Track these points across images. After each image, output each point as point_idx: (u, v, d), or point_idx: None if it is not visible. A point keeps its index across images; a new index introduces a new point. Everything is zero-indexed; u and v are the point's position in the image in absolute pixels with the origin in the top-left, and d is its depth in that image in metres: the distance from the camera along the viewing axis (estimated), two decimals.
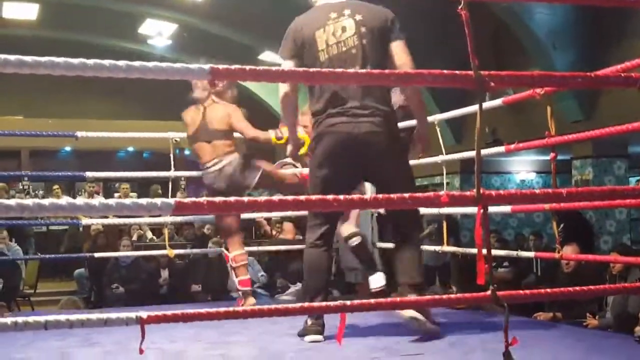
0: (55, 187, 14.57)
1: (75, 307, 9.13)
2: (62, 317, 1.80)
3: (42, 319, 1.78)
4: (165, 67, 1.90)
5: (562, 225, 4.74)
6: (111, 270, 8.57)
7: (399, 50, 3.70)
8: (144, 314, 1.86)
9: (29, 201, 1.71)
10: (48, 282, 11.30)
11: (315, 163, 3.80)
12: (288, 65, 3.64)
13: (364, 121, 3.61)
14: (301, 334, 3.77)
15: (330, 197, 2.01)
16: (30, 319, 1.80)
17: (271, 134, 5.01)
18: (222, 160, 4.99)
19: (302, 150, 4.21)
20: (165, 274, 8.83)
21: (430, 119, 5.18)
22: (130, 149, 18.05)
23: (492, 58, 11.10)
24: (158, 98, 16.91)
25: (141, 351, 1.86)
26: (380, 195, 2.15)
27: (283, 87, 3.67)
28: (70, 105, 17.26)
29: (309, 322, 3.72)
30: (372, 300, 2.44)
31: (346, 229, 4.84)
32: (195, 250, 8.44)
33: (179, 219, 6.94)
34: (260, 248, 7.87)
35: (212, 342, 3.87)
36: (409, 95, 3.96)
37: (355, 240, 4.81)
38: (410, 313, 3.63)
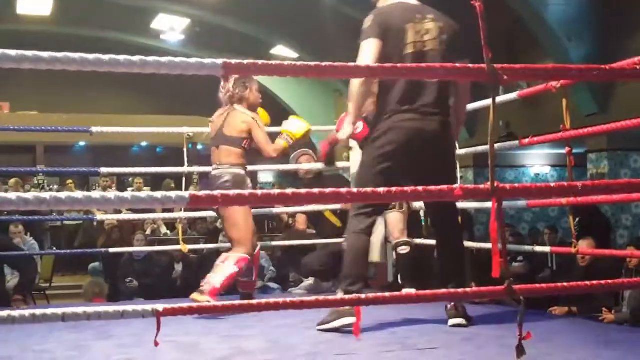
0: (69, 181, 14.65)
1: (100, 290, 9.21)
2: (79, 310, 1.81)
3: (59, 311, 1.80)
4: (179, 62, 1.90)
5: (577, 220, 4.72)
6: (125, 265, 8.61)
7: None
8: (159, 306, 1.88)
9: (46, 194, 1.72)
10: (63, 276, 11.37)
11: (376, 154, 3.85)
12: (374, 43, 3.71)
13: (433, 120, 3.80)
14: (331, 320, 3.77)
15: (355, 190, 2.02)
16: (48, 311, 1.82)
17: (281, 143, 4.91)
18: (220, 168, 4.86)
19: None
20: (179, 268, 8.86)
21: None
22: (144, 144, 18.13)
23: (505, 51, 11.06)
24: (172, 93, 16.98)
25: (156, 343, 1.87)
26: (393, 189, 2.15)
27: None
28: (84, 100, 17.36)
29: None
30: (387, 294, 2.44)
31: (397, 234, 5.22)
32: (209, 246, 8.46)
33: (192, 213, 6.97)
34: (274, 243, 7.89)
35: (225, 335, 3.88)
36: (462, 95, 4.03)
37: (404, 249, 5.15)
38: (455, 321, 3.85)
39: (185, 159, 5.48)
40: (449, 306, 3.86)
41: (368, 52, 3.71)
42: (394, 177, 3.73)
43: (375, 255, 5.71)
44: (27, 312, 1.76)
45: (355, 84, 3.75)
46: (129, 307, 1.90)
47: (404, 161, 3.82)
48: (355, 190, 2.18)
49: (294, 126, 4.99)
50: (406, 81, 3.72)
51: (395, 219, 5.28)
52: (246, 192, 1.91)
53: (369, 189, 2.12)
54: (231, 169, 4.73)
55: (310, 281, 6.19)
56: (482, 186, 2.19)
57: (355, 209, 3.98)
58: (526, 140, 4.21)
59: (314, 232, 7.06)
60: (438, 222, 4.07)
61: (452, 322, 3.82)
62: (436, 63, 3.62)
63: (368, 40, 3.75)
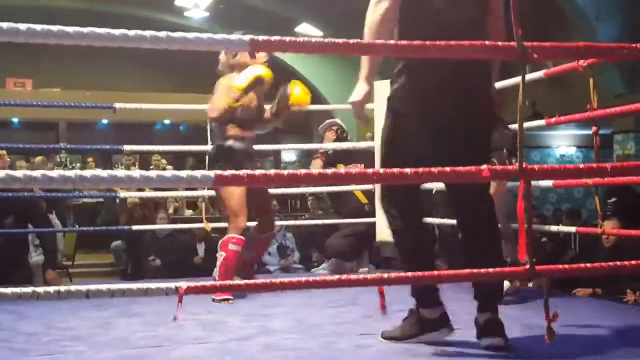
0: (90, 159, 14.71)
1: None
2: (103, 287, 1.81)
3: (83, 288, 1.80)
4: (206, 38, 1.88)
5: (614, 199, 4.67)
6: (148, 243, 8.66)
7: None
8: (183, 284, 1.87)
9: (70, 173, 1.72)
10: (85, 254, 11.45)
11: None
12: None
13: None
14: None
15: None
16: (72, 288, 1.82)
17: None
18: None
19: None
20: (201, 250, 8.87)
21: None
22: (167, 122, 18.15)
23: (533, 29, 10.93)
24: (196, 71, 16.93)
25: (181, 319, 1.87)
26: (420, 170, 2.12)
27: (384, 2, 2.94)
28: (107, 78, 17.38)
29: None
30: (410, 274, 2.43)
31: None
32: None
33: (214, 192, 6.98)
34: (296, 222, 7.89)
35: (249, 314, 3.89)
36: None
37: None
38: (490, 341, 3.09)
39: (209, 137, 5.46)
40: (481, 320, 3.00)
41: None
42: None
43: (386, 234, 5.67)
44: (51, 289, 1.77)
45: (370, 21, 2.91)
46: (153, 285, 1.90)
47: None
48: (381, 170, 2.16)
49: (240, 80, 4.28)
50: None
51: None
52: (272, 172, 1.89)
53: (395, 170, 2.10)
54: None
55: (332, 261, 6.19)
56: (509, 167, 2.16)
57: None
58: (552, 120, 4.16)
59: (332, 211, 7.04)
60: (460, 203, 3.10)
61: (485, 342, 2.94)
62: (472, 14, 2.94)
63: None
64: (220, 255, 4.40)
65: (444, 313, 3.09)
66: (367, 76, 2.96)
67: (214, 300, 4.14)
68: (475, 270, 2.38)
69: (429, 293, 3.06)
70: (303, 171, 1.87)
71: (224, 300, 4.14)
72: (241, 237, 4.42)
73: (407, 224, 3.06)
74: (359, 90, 2.96)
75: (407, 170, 2.00)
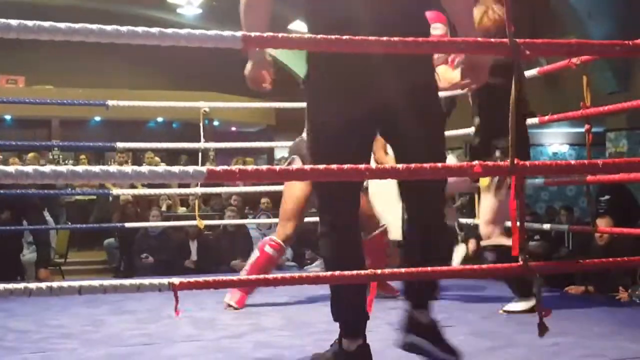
0: (82, 156, 14.68)
1: None
2: (96, 283, 1.81)
3: (76, 284, 1.79)
4: (198, 35, 1.88)
5: (607, 197, 4.67)
6: (141, 240, 8.65)
7: None
8: (176, 280, 1.87)
9: (62, 168, 1.71)
10: (78, 251, 11.43)
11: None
12: None
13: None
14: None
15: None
16: (65, 284, 1.81)
17: None
18: None
19: None
20: (194, 249, 8.86)
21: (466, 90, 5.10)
22: (160, 119, 18.13)
23: (526, 26, 10.94)
24: (189, 68, 16.94)
25: (177, 313, 1.87)
26: (412, 165, 2.12)
27: None
28: (100, 75, 17.36)
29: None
30: (402, 270, 2.42)
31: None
32: (227, 222, 8.46)
33: (208, 189, 6.98)
34: None
35: (241, 312, 3.89)
36: None
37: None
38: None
39: (202, 134, 5.46)
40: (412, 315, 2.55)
41: None
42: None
43: (396, 234, 5.67)
44: (44, 285, 1.76)
45: None
46: (145, 281, 1.90)
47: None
48: (373, 166, 2.16)
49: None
50: None
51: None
52: (264, 167, 1.89)
53: (391, 165, 2.10)
54: None
55: None
56: (501, 163, 2.17)
57: None
58: (545, 118, 4.17)
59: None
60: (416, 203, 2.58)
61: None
62: None
63: None
64: (254, 255, 4.14)
65: (363, 346, 2.57)
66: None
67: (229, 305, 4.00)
68: (469, 267, 2.39)
69: (354, 319, 2.59)
70: (295, 167, 1.87)
71: (230, 306, 4.00)
72: (281, 242, 4.09)
73: (347, 227, 2.56)
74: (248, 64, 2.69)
75: (400, 165, 2.00)
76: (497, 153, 3.65)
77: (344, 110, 2.41)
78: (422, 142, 2.43)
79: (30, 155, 11.03)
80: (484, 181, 3.79)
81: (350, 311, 2.58)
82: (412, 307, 2.52)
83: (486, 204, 3.80)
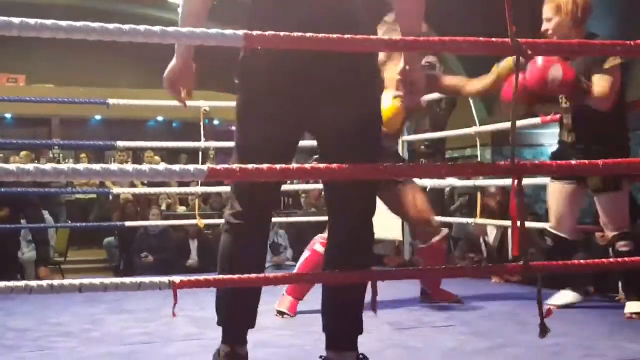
0: (83, 155, 14.68)
1: None
2: (96, 281, 1.81)
3: (76, 282, 1.79)
4: (200, 33, 1.87)
5: None
6: (140, 239, 8.65)
7: None
8: (176, 278, 1.87)
9: (64, 166, 1.71)
10: (78, 250, 11.43)
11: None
12: None
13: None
14: None
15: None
16: (65, 282, 1.81)
17: None
18: None
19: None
20: (194, 244, 8.86)
21: None
22: (160, 118, 18.12)
23: (528, 26, 10.93)
24: None
25: (174, 314, 1.87)
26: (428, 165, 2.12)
27: None
28: (101, 74, 17.35)
29: None
30: (404, 269, 2.42)
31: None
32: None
33: (208, 189, 6.98)
34: (289, 219, 7.89)
35: None
36: None
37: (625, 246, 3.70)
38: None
39: (202, 133, 5.46)
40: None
41: None
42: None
43: (395, 234, 5.68)
44: (44, 283, 1.76)
45: None
46: (146, 279, 1.90)
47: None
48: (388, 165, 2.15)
49: None
50: None
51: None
52: (265, 166, 1.88)
53: (390, 165, 2.09)
54: None
55: None
56: (502, 163, 2.16)
57: None
58: (548, 118, 4.16)
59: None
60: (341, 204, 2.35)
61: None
62: None
63: None
64: (305, 255, 3.88)
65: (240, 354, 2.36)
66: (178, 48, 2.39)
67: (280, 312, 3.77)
68: (470, 267, 2.39)
69: (242, 327, 2.40)
70: (296, 166, 1.87)
71: (282, 313, 3.75)
72: None
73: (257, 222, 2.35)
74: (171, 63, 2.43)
75: (408, 166, 2.00)
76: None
77: (268, 133, 2.22)
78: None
79: (23, 153, 11.00)
80: (593, 181, 3.66)
81: (233, 316, 2.36)
82: (331, 348, 2.35)
83: (608, 202, 3.69)
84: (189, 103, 2.54)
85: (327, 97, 2.19)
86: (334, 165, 1.90)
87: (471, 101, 4.90)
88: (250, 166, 1.90)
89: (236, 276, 1.99)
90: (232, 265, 2.22)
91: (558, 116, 3.94)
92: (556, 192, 3.80)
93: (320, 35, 1.85)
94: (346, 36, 1.90)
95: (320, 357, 2.28)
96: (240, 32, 1.90)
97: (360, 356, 2.29)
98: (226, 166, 1.93)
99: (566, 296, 3.86)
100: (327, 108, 2.20)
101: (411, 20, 2.27)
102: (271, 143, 2.22)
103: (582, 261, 2.62)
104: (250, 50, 2.20)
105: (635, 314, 3.58)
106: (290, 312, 3.74)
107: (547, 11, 3.69)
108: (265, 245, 2.43)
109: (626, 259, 2.42)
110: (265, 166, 1.88)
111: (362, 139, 2.23)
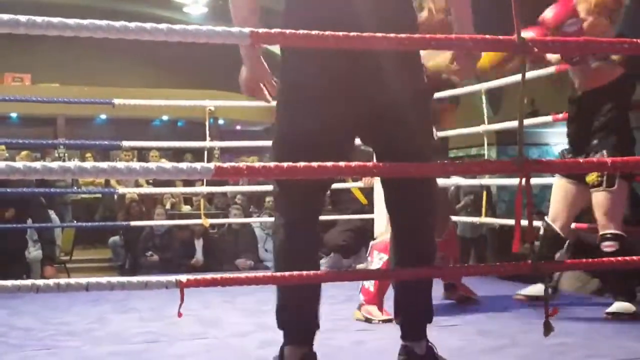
0: (88, 154, 14.69)
1: None
2: (103, 280, 1.80)
3: (83, 281, 1.79)
4: (205, 31, 1.87)
5: None
6: (146, 239, 8.65)
7: None
8: (183, 277, 1.87)
9: (70, 164, 1.71)
10: (83, 249, 11.44)
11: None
12: None
13: None
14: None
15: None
16: (72, 280, 1.81)
17: None
18: None
19: None
20: (199, 244, 8.87)
21: (476, 87, 5.06)
22: (165, 118, 18.13)
23: (533, 23, 10.92)
24: (194, 67, 16.93)
25: (179, 314, 1.86)
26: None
27: None
28: (106, 73, 17.34)
29: None
30: (404, 270, 2.41)
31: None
32: (233, 220, 8.46)
33: (213, 188, 6.98)
34: None
35: (246, 310, 3.88)
36: None
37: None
38: None
39: (207, 133, 5.46)
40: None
41: None
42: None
43: None
44: (51, 282, 1.76)
45: None
46: (153, 278, 1.90)
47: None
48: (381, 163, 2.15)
49: None
50: None
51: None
52: (271, 164, 1.88)
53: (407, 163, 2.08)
54: None
55: (331, 256, 6.20)
56: (509, 161, 2.16)
57: None
58: (560, 116, 4.13)
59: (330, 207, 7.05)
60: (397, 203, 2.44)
61: None
62: None
63: None
64: (380, 260, 3.53)
65: (309, 354, 2.38)
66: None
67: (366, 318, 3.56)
68: (476, 265, 2.38)
69: (302, 325, 2.42)
70: (302, 164, 1.86)
71: (383, 320, 3.48)
72: None
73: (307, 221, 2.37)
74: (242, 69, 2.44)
75: (415, 164, 1.99)
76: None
77: (320, 117, 2.22)
78: (406, 147, 2.26)
79: (23, 153, 11.00)
80: (590, 178, 3.61)
81: (300, 316, 2.41)
82: (407, 338, 2.44)
83: (600, 199, 3.57)
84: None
85: (376, 74, 2.21)
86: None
87: (483, 98, 4.87)
88: (257, 164, 1.90)
89: (251, 275, 1.98)
90: (287, 264, 2.26)
91: (561, 115, 3.93)
92: (558, 188, 3.79)
93: (314, 32, 1.84)
94: (352, 34, 1.89)
95: (402, 345, 2.42)
96: (247, 30, 1.89)
97: (429, 343, 2.45)
98: (233, 164, 1.93)
99: (536, 288, 3.78)
100: (377, 86, 2.21)
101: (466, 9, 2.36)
102: (326, 128, 2.22)
103: (582, 261, 2.60)
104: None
105: (612, 314, 3.50)
106: (387, 314, 3.47)
107: (581, 11, 3.68)
108: (317, 243, 2.52)
109: (626, 258, 2.39)
110: (272, 164, 1.87)
111: (413, 117, 2.28)
